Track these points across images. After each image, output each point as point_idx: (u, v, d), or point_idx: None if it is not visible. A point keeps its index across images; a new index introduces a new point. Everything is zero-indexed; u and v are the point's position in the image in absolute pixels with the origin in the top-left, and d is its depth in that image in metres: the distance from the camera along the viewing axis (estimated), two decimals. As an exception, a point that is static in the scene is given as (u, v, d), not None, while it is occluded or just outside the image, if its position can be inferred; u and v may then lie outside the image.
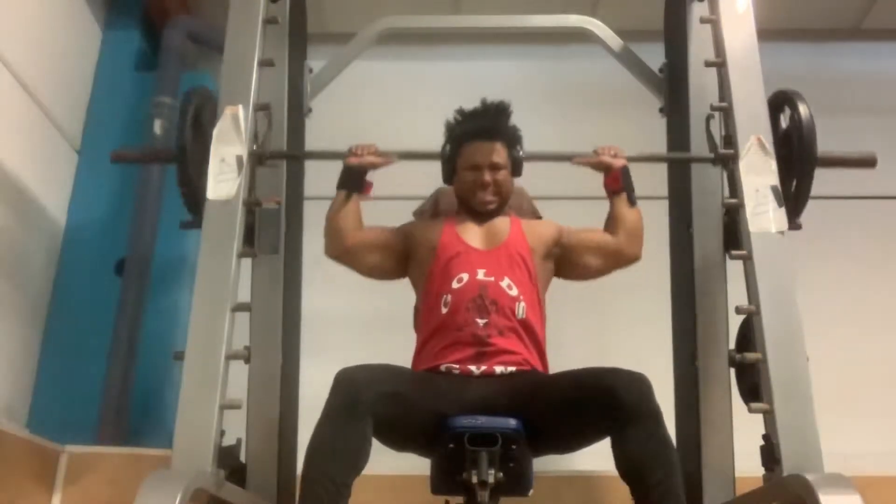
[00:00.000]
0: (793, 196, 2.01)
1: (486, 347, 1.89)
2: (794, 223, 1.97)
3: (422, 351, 1.99)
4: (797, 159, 2.01)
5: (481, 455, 1.67)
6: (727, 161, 2.07)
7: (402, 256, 2.11)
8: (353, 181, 2.07)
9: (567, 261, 2.10)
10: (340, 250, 2.07)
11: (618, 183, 2.07)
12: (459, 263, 1.99)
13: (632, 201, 2.08)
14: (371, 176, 2.11)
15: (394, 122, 3.48)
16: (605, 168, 2.10)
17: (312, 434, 1.66)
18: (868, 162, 2.12)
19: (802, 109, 2.00)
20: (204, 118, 2.04)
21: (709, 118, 2.16)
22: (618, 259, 2.08)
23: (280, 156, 2.28)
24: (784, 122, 2.08)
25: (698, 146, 2.31)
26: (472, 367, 1.87)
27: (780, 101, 2.08)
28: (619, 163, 2.08)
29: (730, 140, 2.05)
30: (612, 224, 2.08)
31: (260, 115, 2.08)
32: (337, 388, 1.69)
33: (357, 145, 2.10)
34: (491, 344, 1.89)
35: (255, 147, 2.01)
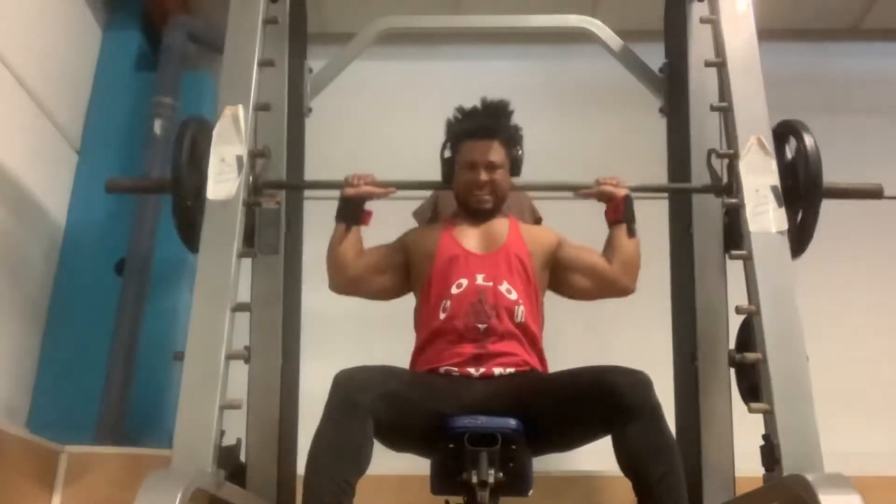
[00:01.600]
0: (798, 228, 1.98)
1: (485, 351, 1.89)
2: (798, 257, 1.94)
3: (420, 353, 1.99)
4: (803, 190, 1.97)
5: (481, 455, 1.67)
6: (730, 192, 2.03)
7: (405, 271, 2.11)
8: (352, 212, 2.05)
9: (560, 276, 2.10)
10: (345, 283, 2.06)
11: (619, 213, 2.06)
12: (458, 268, 1.99)
13: (631, 232, 2.05)
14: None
15: (394, 123, 3.49)
16: (607, 198, 2.08)
17: (314, 436, 1.66)
18: (874, 193, 2.09)
19: (807, 140, 1.97)
20: (199, 148, 2.00)
21: (710, 153, 2.12)
22: (610, 287, 2.06)
23: (277, 185, 2.23)
24: (789, 152, 2.04)
25: (698, 146, 2.30)
26: (472, 370, 1.88)
27: (784, 131, 2.04)
28: (621, 192, 2.06)
29: (730, 141, 2.05)
30: (609, 253, 2.06)
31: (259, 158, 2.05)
32: (336, 389, 1.69)
33: (353, 175, 2.07)
34: (490, 348, 1.89)
35: (251, 179, 1.98)
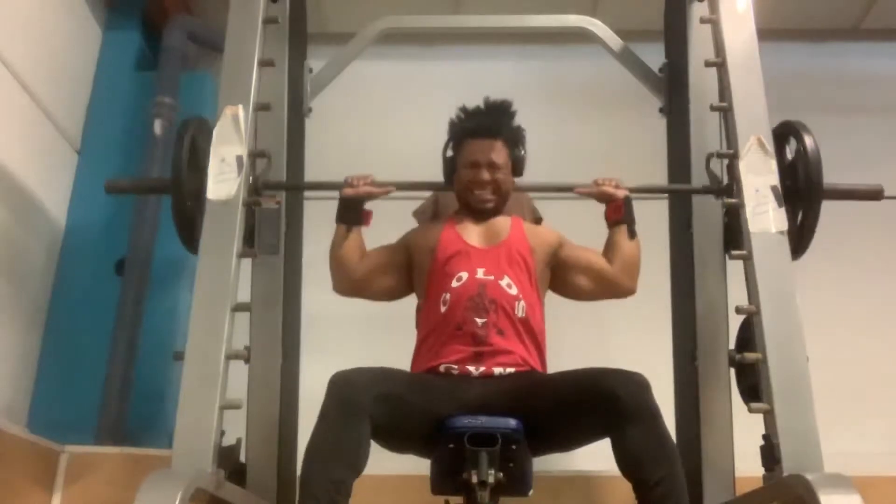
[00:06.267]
0: (798, 229, 1.98)
1: (485, 347, 1.88)
2: (798, 257, 1.94)
3: (421, 349, 1.99)
4: (803, 191, 1.98)
5: (481, 455, 1.67)
6: (730, 193, 2.03)
7: (407, 270, 2.10)
8: (352, 213, 2.05)
9: (561, 275, 2.09)
10: (349, 285, 2.07)
11: (619, 213, 2.06)
12: (459, 262, 1.99)
13: (632, 233, 2.05)
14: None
15: (394, 122, 3.49)
16: (607, 198, 2.08)
17: (310, 437, 1.66)
18: (874, 194, 2.11)
19: (808, 141, 1.97)
20: (199, 149, 2.00)
21: (709, 157, 2.12)
22: (611, 288, 2.07)
23: (277, 186, 2.22)
24: (789, 153, 2.05)
25: (698, 146, 2.31)
26: (471, 368, 1.87)
27: (785, 132, 2.05)
28: (621, 193, 2.06)
29: (730, 141, 2.05)
30: (609, 254, 2.06)
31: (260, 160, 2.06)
32: (333, 391, 1.68)
33: (353, 176, 2.08)
34: (489, 343, 1.89)
35: (251, 179, 1.98)
